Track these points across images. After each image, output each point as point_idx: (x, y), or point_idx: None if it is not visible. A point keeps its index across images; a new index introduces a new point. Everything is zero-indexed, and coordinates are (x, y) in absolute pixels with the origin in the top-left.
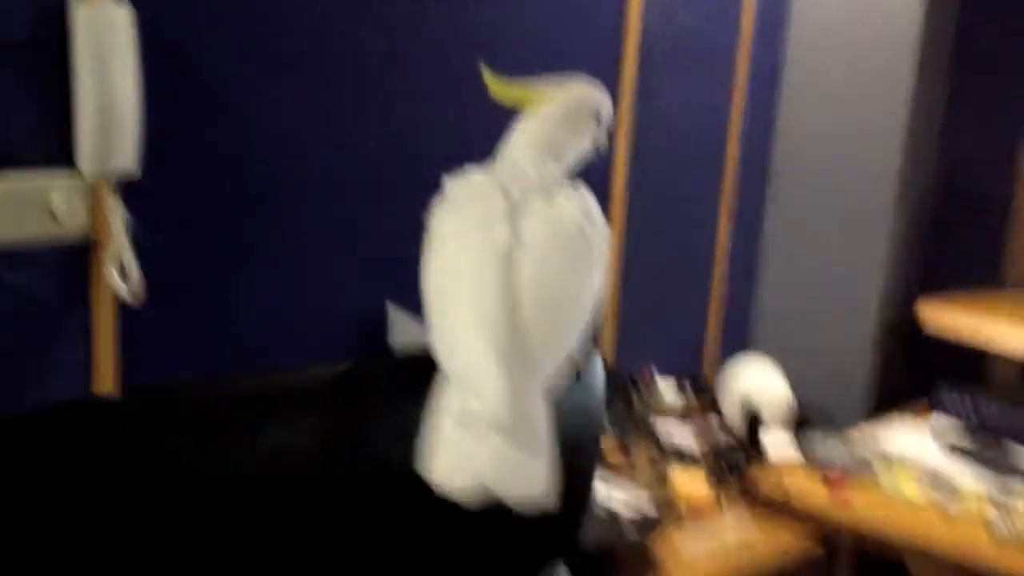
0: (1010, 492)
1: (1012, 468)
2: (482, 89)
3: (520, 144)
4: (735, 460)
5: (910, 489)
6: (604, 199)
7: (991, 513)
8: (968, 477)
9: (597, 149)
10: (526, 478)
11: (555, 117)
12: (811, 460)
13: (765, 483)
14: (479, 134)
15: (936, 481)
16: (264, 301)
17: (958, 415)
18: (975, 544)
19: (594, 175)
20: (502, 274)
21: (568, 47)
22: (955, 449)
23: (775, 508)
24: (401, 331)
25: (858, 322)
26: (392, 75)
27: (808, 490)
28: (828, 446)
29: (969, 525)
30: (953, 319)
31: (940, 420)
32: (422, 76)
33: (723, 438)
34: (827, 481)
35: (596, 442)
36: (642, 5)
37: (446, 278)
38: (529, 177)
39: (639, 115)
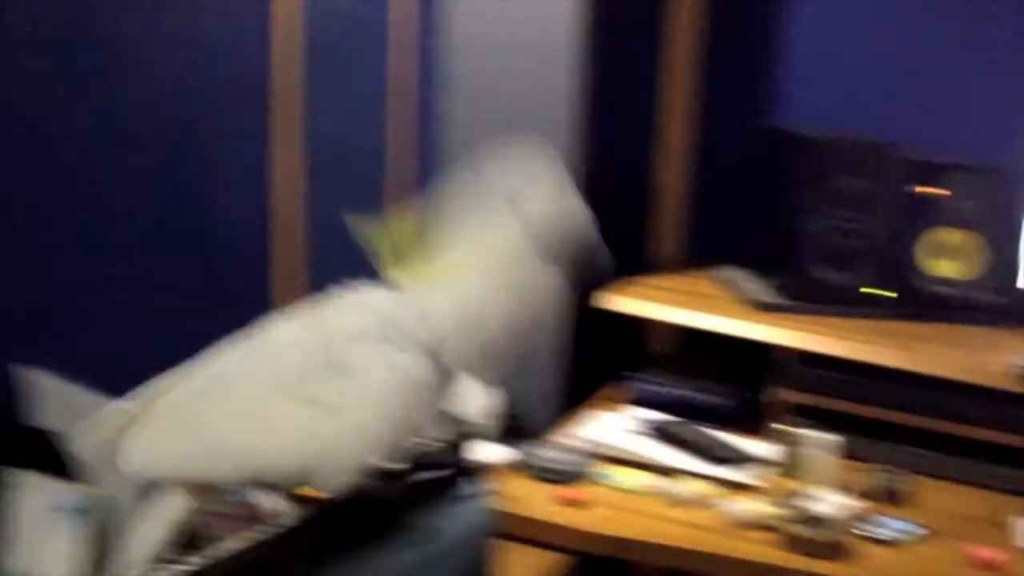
0: (722, 474)
1: (710, 446)
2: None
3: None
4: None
5: (634, 483)
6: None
7: (714, 497)
8: (680, 460)
9: None
10: None
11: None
12: (527, 470)
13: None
14: None
15: (655, 470)
16: None
17: (650, 401)
18: (709, 529)
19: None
20: None
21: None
22: (660, 434)
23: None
24: (58, 404)
25: None
26: None
27: (542, 503)
28: (540, 452)
29: (699, 512)
30: (626, 303)
31: (635, 409)
32: None
33: (423, 451)
34: (555, 490)
35: None
36: None
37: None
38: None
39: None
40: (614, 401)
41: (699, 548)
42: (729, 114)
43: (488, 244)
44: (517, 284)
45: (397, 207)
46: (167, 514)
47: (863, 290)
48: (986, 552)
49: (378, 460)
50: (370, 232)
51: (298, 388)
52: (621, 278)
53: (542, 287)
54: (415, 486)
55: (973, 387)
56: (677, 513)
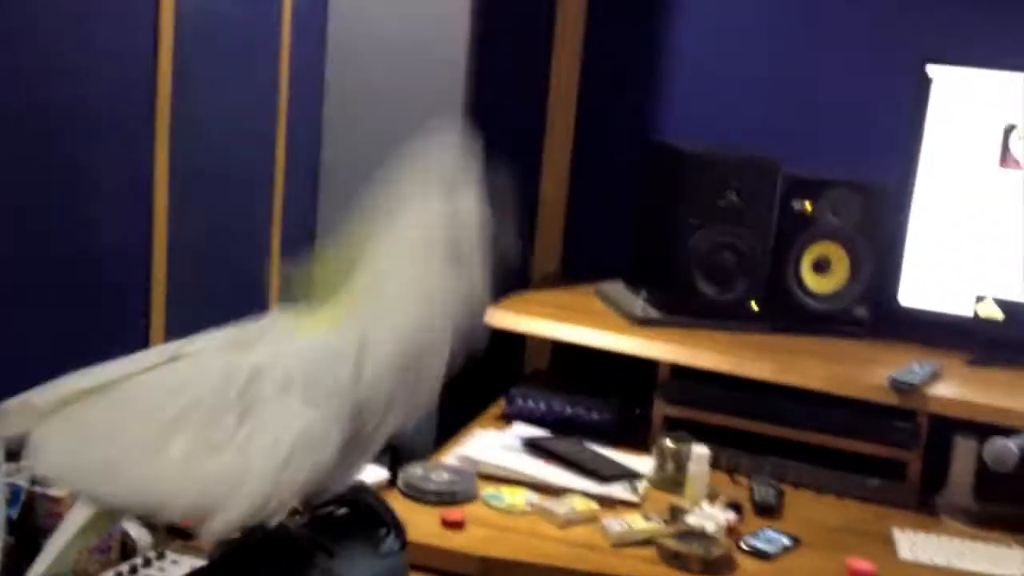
0: (602, 490)
1: (589, 462)
2: None
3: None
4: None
5: (515, 503)
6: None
7: (594, 513)
8: (560, 477)
9: None
10: None
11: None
12: (408, 492)
13: None
14: None
15: (536, 488)
16: None
17: (530, 417)
18: (589, 547)
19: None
20: None
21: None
22: (540, 450)
23: None
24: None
25: None
26: None
27: (422, 526)
28: (420, 474)
29: (579, 529)
30: (508, 319)
31: (516, 425)
32: None
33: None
34: (436, 512)
35: None
36: None
37: None
38: None
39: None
40: (496, 418)
41: (577, 567)
42: (611, 129)
43: (414, 232)
44: (439, 283)
45: (321, 245)
46: (75, 523)
47: (741, 304)
48: (864, 564)
49: (260, 513)
50: (300, 275)
51: (203, 425)
52: (503, 293)
53: (460, 290)
54: (318, 521)
55: (847, 400)
56: (557, 531)
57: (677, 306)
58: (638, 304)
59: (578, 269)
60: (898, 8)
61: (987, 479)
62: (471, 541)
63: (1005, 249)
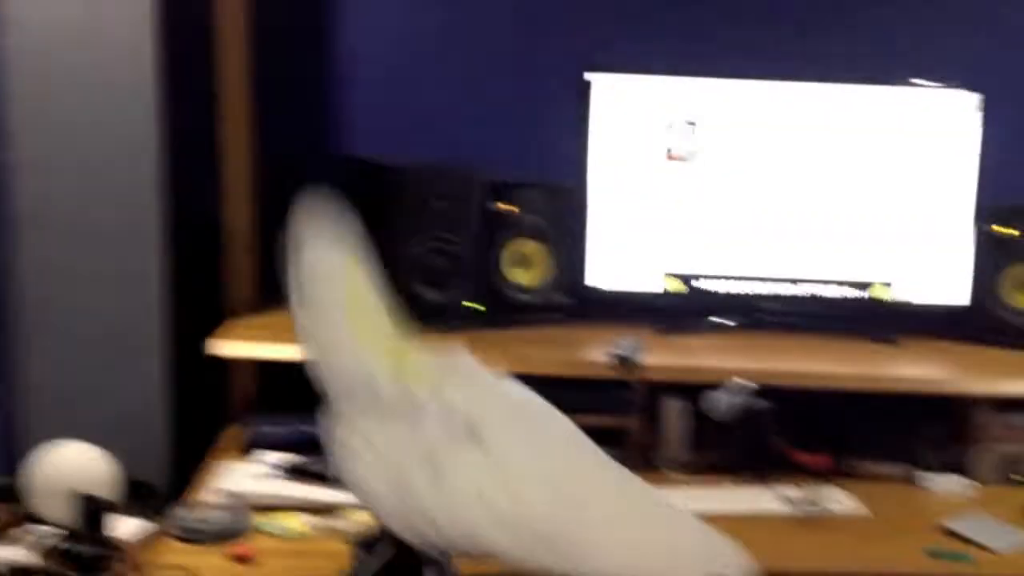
0: None
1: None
2: None
3: None
4: (89, 560)
5: (295, 527)
6: None
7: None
8: (334, 495)
9: None
10: None
11: None
12: (188, 537)
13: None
14: None
15: (309, 510)
16: None
17: (273, 443)
18: None
19: None
20: None
21: None
22: (294, 473)
23: None
24: None
25: (143, 372)
26: None
27: (214, 567)
28: (187, 515)
29: None
30: (229, 347)
31: (260, 453)
32: None
33: (61, 543)
34: (219, 550)
35: None
36: None
37: None
38: None
39: None
40: (236, 449)
41: None
42: (297, 146)
43: None
44: None
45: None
46: None
47: (457, 305)
48: None
49: None
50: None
51: None
52: (216, 322)
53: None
54: None
55: (567, 380)
56: (347, 548)
57: (400, 313)
58: None
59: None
60: (560, 23)
61: (697, 432)
62: (268, 571)
63: (681, 231)
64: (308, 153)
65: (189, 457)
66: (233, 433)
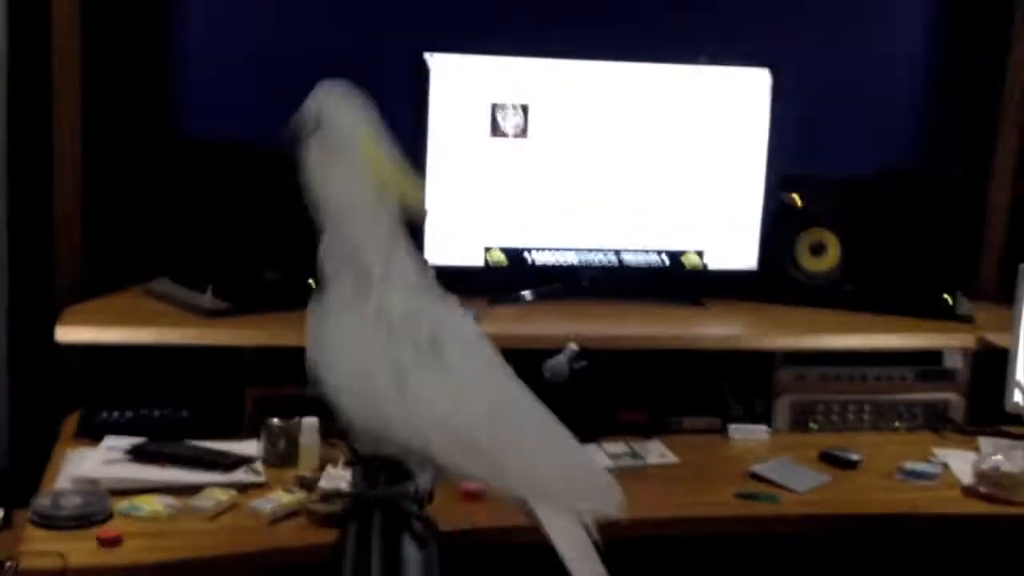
0: (234, 478)
1: (200, 456)
2: None
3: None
4: None
5: (157, 509)
6: None
7: (239, 498)
8: (189, 476)
9: None
10: None
11: None
12: (48, 524)
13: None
14: None
15: (169, 491)
16: None
17: (121, 428)
18: (249, 529)
19: None
20: None
21: None
22: (145, 456)
23: None
24: None
25: None
26: None
27: (80, 551)
28: (46, 502)
29: (234, 516)
30: (71, 332)
31: (110, 438)
32: None
33: None
34: (85, 535)
35: None
36: None
37: None
38: None
39: None
40: (77, 436)
41: (246, 550)
42: (135, 130)
43: None
44: None
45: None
46: None
47: (305, 285)
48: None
49: None
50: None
51: None
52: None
53: None
54: None
55: None
56: (211, 524)
57: (242, 294)
58: (203, 298)
59: (102, 276)
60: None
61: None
62: (136, 552)
63: (504, 205)
64: (146, 137)
65: (32, 445)
66: (75, 420)
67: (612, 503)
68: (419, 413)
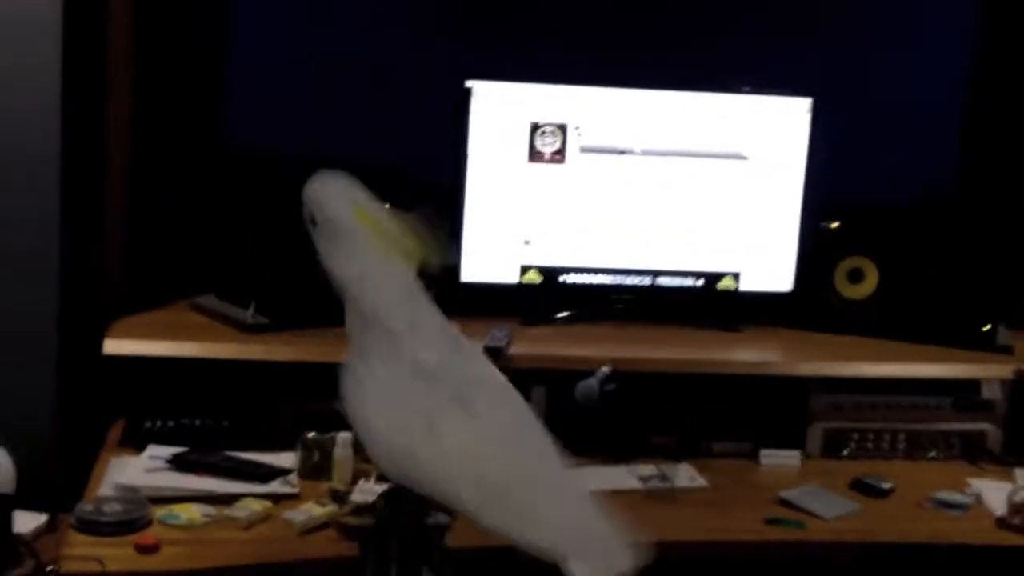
0: (270, 488)
1: (238, 467)
2: None
3: None
4: None
5: (194, 517)
6: None
7: (274, 509)
8: (226, 485)
9: None
10: None
11: None
12: (89, 529)
13: (68, 564)
14: None
15: (209, 500)
16: None
17: (164, 437)
18: (280, 540)
19: None
20: None
21: None
22: (187, 465)
23: None
24: None
25: (35, 370)
26: None
27: (119, 557)
28: (89, 508)
29: (268, 526)
30: (119, 345)
31: (153, 448)
32: None
33: None
34: (124, 541)
35: None
36: None
37: None
38: None
39: None
40: (122, 445)
41: (279, 559)
42: (183, 144)
43: None
44: None
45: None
46: None
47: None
48: None
49: None
50: None
51: None
52: (96, 320)
53: None
54: None
55: None
56: (244, 534)
57: (282, 311)
58: (244, 313)
59: (149, 290)
60: (440, 34)
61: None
62: (171, 559)
63: (540, 226)
64: (195, 149)
65: (78, 453)
66: (120, 428)
67: (625, 562)
68: (450, 464)
